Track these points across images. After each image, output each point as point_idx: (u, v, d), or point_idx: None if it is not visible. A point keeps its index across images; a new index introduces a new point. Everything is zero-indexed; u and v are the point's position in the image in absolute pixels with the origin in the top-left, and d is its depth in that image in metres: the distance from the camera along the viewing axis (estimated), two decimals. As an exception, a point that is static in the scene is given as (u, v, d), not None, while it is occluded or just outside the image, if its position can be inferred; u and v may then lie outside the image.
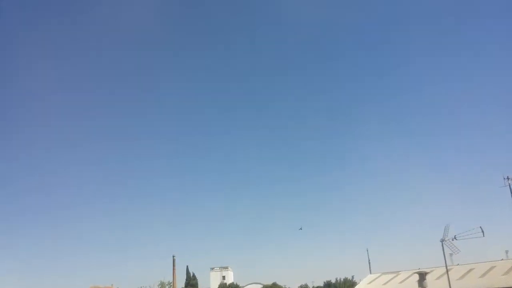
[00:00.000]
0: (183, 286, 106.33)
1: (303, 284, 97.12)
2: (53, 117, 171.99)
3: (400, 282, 55.91)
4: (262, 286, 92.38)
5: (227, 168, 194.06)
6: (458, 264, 44.02)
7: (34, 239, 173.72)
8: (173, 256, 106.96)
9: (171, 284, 62.10)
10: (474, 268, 42.62)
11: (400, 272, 60.00)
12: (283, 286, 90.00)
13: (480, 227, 26.51)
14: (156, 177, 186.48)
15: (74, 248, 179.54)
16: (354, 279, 75.44)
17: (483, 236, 27.07)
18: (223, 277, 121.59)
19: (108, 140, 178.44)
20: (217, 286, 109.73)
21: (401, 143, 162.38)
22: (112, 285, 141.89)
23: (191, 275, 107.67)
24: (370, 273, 69.13)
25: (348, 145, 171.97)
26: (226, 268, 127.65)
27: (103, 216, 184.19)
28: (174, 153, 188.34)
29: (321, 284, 78.94)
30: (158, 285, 51.38)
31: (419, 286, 14.36)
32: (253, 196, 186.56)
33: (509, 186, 30.58)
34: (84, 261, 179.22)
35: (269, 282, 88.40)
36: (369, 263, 71.30)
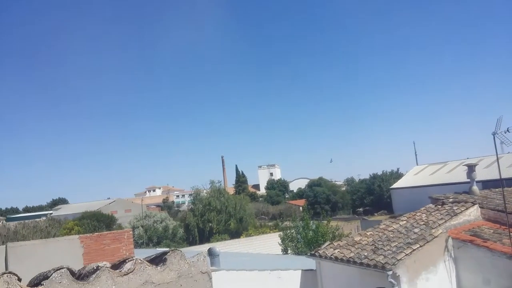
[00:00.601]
0: (234, 184, 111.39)
1: (349, 177, 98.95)
2: None
3: (448, 172, 55.18)
4: (308, 180, 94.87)
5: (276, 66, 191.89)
6: (508, 152, 42.44)
7: (93, 143, 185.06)
8: (222, 157, 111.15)
9: (222, 182, 64.72)
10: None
11: (447, 163, 58.92)
12: (330, 180, 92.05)
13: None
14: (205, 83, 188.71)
15: (132, 152, 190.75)
16: (400, 171, 75.53)
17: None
18: (271, 174, 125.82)
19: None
20: (265, 182, 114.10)
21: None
22: (167, 184, 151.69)
23: (240, 173, 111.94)
24: (417, 164, 68.76)
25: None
26: (273, 165, 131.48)
27: (155, 121, 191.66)
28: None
29: (367, 177, 79.84)
30: (209, 184, 53.41)
31: (467, 177, 13.62)
32: (302, 90, 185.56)
33: None
34: (141, 164, 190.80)
35: (316, 177, 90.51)
36: (416, 154, 70.14)
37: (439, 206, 14.13)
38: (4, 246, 14.60)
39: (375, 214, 64.76)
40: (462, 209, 13.18)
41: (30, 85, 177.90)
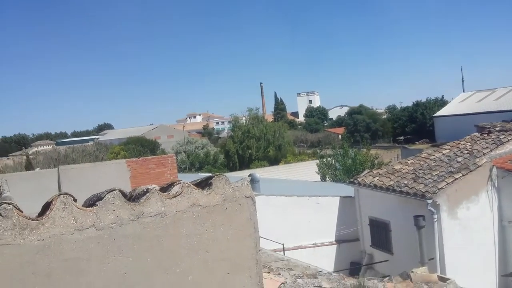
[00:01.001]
0: (272, 111, 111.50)
1: (391, 104, 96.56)
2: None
3: (495, 100, 52.70)
4: (348, 108, 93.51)
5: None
6: None
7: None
8: (260, 84, 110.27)
9: (260, 109, 64.92)
10: None
11: (496, 90, 56.01)
12: (370, 108, 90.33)
13: None
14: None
15: (174, 79, 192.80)
16: (444, 98, 72.78)
17: None
18: (310, 102, 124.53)
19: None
20: (304, 110, 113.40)
21: None
22: (207, 111, 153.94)
23: (279, 100, 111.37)
24: (463, 91, 65.96)
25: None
26: (312, 92, 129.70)
27: (196, 48, 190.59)
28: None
29: (410, 105, 77.58)
30: (247, 111, 53.71)
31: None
32: (343, 17, 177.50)
33: None
34: (182, 91, 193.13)
35: (356, 105, 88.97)
36: (463, 81, 67.30)
37: (485, 135, 13.67)
38: (56, 169, 15.55)
39: (416, 142, 63.67)
40: (509, 138, 12.71)
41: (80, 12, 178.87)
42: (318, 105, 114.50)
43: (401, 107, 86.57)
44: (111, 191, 2.84)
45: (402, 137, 69.06)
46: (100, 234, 2.75)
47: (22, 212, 2.64)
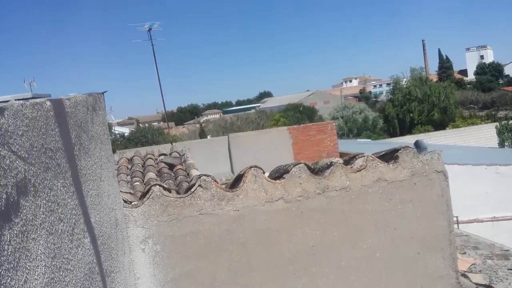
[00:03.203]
0: (436, 70, 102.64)
1: None
2: None
3: None
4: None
5: None
6: None
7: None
8: (422, 41, 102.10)
9: (423, 69, 60.21)
10: None
11: None
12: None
13: None
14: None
15: (327, 42, 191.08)
16: None
17: None
18: (481, 57, 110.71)
19: None
20: (475, 67, 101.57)
21: None
22: (364, 74, 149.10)
23: (444, 58, 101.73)
24: None
25: None
26: (484, 47, 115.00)
27: (347, 9, 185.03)
28: None
29: None
30: (409, 72, 50.26)
31: None
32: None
33: None
34: (337, 54, 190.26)
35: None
36: None
37: None
38: (226, 136, 16.90)
39: None
40: None
41: None
42: (491, 61, 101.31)
43: None
44: (297, 164, 2.85)
45: None
46: (288, 207, 2.80)
47: (218, 183, 2.82)
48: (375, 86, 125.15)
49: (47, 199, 1.02)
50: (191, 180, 2.85)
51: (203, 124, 53.52)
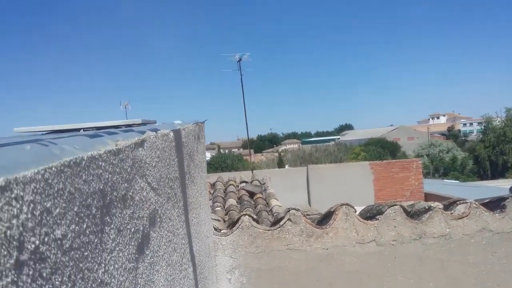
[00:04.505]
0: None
1: None
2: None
3: None
4: None
5: None
6: None
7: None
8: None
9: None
10: None
11: None
12: None
13: None
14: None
15: (415, 77, 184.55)
16: None
17: None
18: None
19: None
20: None
21: None
22: (453, 111, 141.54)
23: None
24: None
25: None
26: None
27: (440, 40, 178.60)
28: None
29: None
30: (504, 111, 46.85)
31: None
32: None
33: None
34: (425, 89, 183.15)
35: None
36: None
37: None
38: (305, 167, 16.76)
39: None
40: None
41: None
42: None
43: None
44: (392, 205, 2.71)
45: None
46: (380, 250, 2.65)
47: (308, 218, 2.75)
48: (464, 124, 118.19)
49: (167, 229, 1.04)
50: (279, 213, 2.82)
51: (281, 153, 53.79)
